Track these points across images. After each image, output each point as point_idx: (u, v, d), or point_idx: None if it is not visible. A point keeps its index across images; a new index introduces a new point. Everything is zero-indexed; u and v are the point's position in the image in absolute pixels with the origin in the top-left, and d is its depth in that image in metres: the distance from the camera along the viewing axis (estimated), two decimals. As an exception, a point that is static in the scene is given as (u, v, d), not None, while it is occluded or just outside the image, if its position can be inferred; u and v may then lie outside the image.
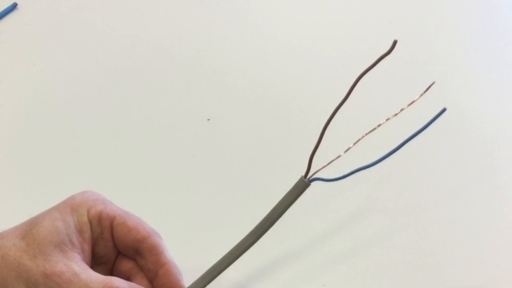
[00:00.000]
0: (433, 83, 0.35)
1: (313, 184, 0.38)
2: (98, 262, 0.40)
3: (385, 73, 0.59)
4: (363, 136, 0.36)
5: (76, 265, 0.36)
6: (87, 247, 0.38)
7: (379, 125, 0.36)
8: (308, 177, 0.38)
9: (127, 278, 0.40)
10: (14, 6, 0.80)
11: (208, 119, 0.66)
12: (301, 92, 0.70)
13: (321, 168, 0.37)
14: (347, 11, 0.83)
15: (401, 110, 0.35)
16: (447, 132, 0.64)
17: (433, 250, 0.54)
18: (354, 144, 0.37)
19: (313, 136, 0.37)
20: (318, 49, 0.76)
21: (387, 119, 0.36)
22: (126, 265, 0.41)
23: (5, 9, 0.80)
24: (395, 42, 0.32)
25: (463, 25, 0.81)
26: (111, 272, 0.41)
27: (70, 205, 0.38)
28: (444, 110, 0.35)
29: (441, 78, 0.69)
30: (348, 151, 0.37)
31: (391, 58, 0.33)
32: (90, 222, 0.38)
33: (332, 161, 0.37)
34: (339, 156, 0.37)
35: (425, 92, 0.35)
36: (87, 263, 0.38)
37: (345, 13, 0.83)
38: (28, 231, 0.36)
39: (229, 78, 0.72)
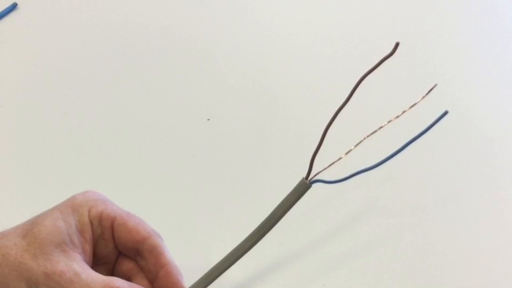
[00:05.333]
0: (435, 85, 0.36)
1: (314, 185, 0.38)
2: (99, 262, 0.40)
3: (387, 75, 0.59)
4: (364, 138, 0.36)
5: (77, 265, 0.36)
6: (88, 247, 0.38)
7: (380, 127, 0.36)
8: (309, 178, 0.38)
9: (128, 278, 0.40)
10: (14, 6, 0.80)
11: (208, 119, 0.66)
12: (302, 93, 0.70)
13: (322, 170, 0.37)
14: (349, 12, 0.83)
15: (403, 112, 0.36)
16: (448, 134, 0.64)
17: (433, 251, 0.54)
18: (356, 146, 0.37)
19: (315, 137, 0.37)
20: (319, 50, 0.76)
21: (389, 121, 0.36)
22: (126, 265, 0.41)
23: (5, 9, 0.80)
24: (397, 45, 0.32)
25: (465, 27, 0.81)
26: (111, 272, 0.41)
27: (71, 205, 0.38)
28: (445, 113, 0.35)
29: (442, 80, 0.69)
30: (349, 153, 0.37)
31: (392, 60, 0.33)
32: (91, 222, 0.38)
33: (333, 163, 0.37)
34: (340, 158, 0.37)
35: (427, 94, 0.35)
36: (88, 263, 0.38)
37: (347, 14, 0.83)
38: (29, 231, 0.36)
39: (229, 78, 0.72)
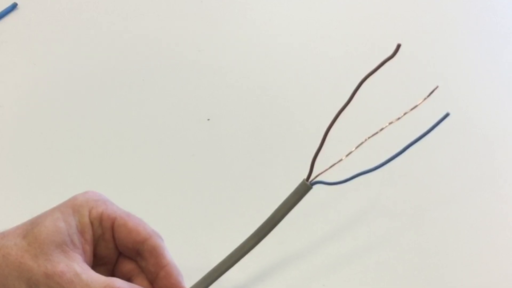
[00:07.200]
0: (437, 87, 0.35)
1: (315, 187, 0.38)
2: (99, 262, 0.40)
3: (388, 77, 0.59)
4: (365, 140, 0.36)
5: (77, 266, 0.36)
6: (88, 248, 0.38)
7: (381, 129, 0.36)
8: (310, 180, 0.38)
9: (128, 279, 0.40)
10: (14, 6, 0.80)
11: (208, 119, 0.66)
12: (303, 94, 0.70)
13: (323, 171, 0.37)
14: (350, 13, 0.83)
15: (404, 114, 0.35)
16: (449, 135, 0.64)
17: (434, 252, 0.54)
18: (357, 147, 0.37)
19: (316, 138, 0.37)
20: (320, 51, 0.76)
21: (390, 123, 0.36)
22: (127, 266, 0.41)
23: (5, 9, 0.79)
24: (398, 46, 0.32)
25: (465, 27, 0.81)
26: (112, 273, 0.41)
27: (72, 206, 0.38)
28: (447, 115, 0.35)
29: (444, 81, 0.69)
30: (350, 155, 0.37)
31: (394, 62, 0.33)
32: (92, 223, 0.38)
33: (334, 165, 0.37)
34: (341, 160, 0.37)
35: (428, 96, 0.35)
36: (88, 264, 0.38)
37: (347, 15, 0.83)
38: (30, 231, 0.36)
39: (229, 78, 0.72)
